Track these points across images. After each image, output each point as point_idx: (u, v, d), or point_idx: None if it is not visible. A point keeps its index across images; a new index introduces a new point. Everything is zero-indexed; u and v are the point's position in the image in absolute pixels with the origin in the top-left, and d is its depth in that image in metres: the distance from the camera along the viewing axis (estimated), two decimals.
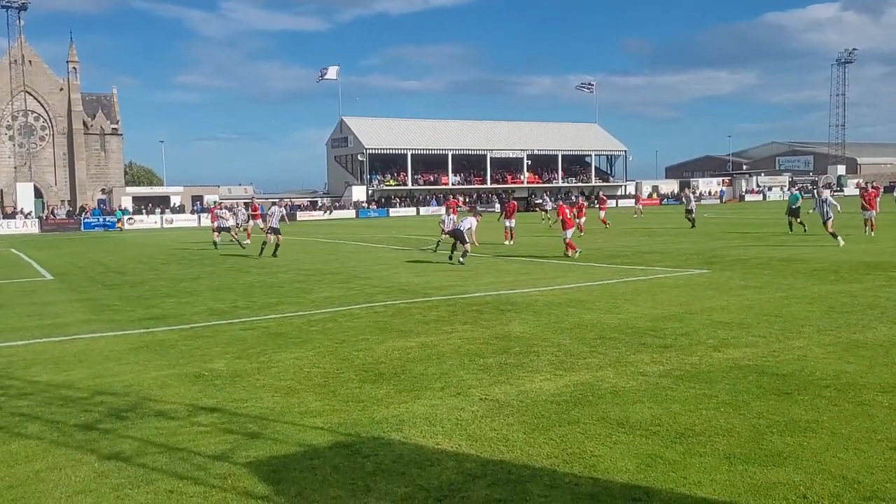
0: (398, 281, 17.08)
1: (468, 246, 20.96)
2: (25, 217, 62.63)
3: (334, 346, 9.81)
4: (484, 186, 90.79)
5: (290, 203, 71.58)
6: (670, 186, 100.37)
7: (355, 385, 7.71)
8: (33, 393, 7.76)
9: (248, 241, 31.51)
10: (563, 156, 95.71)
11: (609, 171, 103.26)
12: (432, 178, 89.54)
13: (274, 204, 30.35)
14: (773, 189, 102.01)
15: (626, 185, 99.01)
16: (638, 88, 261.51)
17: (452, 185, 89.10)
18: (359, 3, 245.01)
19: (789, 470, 5.09)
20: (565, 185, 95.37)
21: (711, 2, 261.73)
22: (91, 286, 18.26)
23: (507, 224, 30.00)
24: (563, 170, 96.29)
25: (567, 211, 23.67)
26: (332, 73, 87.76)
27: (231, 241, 31.46)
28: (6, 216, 63.86)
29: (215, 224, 31.90)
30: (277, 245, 25.54)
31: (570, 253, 21.92)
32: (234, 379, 8.12)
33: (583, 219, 31.43)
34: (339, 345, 9.86)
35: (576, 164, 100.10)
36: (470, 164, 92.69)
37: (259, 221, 34.51)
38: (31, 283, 19.68)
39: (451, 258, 21.19)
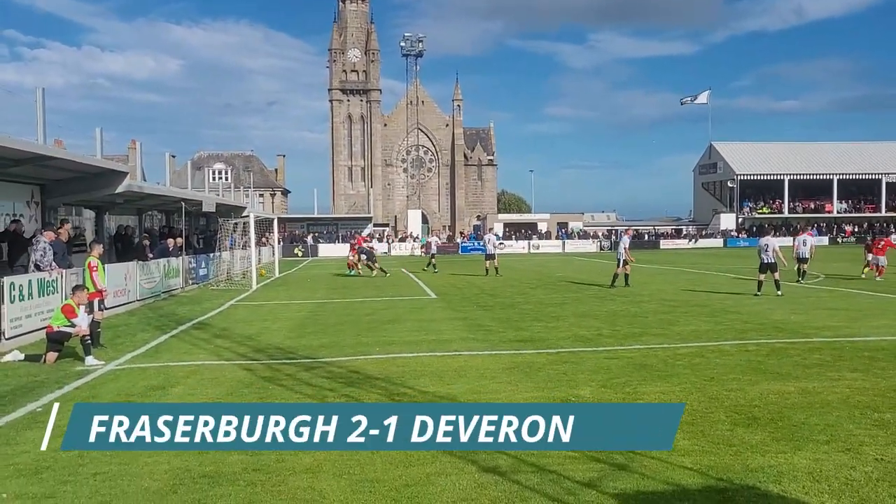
0: (773, 318, 15.95)
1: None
2: (414, 240, 70.14)
3: (702, 382, 9.46)
4: (877, 215, 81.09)
5: (631, 232, 70.81)
6: None
7: (726, 427, 7.35)
8: (422, 402, 8.64)
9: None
10: None
11: None
12: (813, 206, 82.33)
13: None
14: None
15: None
16: None
17: (838, 213, 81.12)
18: (730, 25, 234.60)
19: None
20: None
21: None
22: (468, 306, 19.84)
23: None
24: None
25: None
26: (702, 97, 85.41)
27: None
28: (400, 240, 72.15)
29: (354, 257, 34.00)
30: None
31: None
32: None
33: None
34: (708, 382, 9.48)
35: None
36: (860, 190, 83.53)
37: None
38: (419, 300, 21.96)
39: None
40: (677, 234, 78.43)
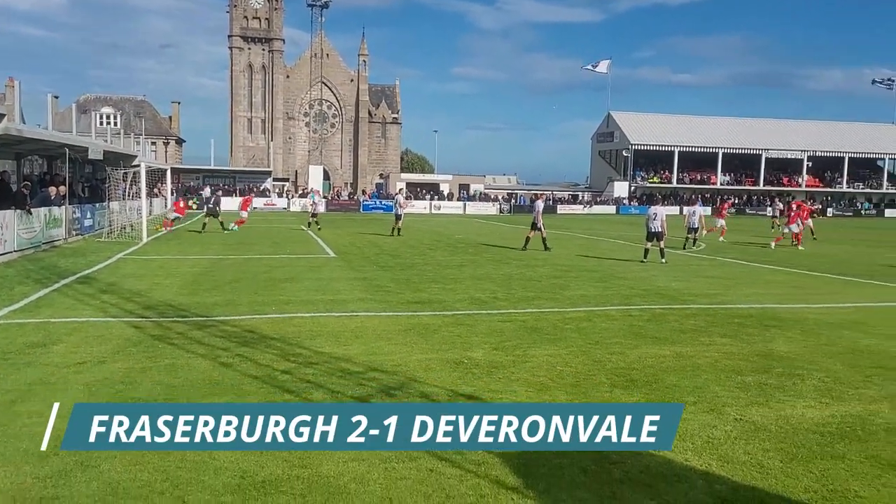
0: (656, 284, 16.79)
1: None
2: (303, 197, 69.10)
3: (587, 346, 9.96)
4: (756, 188, 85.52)
5: (550, 195, 72.36)
6: None
7: (606, 389, 7.82)
8: (318, 363, 8.76)
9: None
10: (850, 158, 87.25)
11: None
12: (699, 177, 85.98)
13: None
14: None
15: None
16: None
17: (721, 184, 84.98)
18: None
19: None
20: (850, 189, 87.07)
21: None
22: (367, 266, 19.95)
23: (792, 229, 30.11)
24: (848, 174, 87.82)
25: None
26: (602, 66, 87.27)
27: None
28: (301, 195, 71.12)
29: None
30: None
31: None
32: (491, 369, 8.57)
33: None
34: (593, 346, 9.99)
35: (865, 167, 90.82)
36: (742, 164, 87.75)
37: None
38: (318, 259, 21.90)
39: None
40: (574, 199, 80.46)
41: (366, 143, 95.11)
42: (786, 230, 31.51)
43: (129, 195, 32.57)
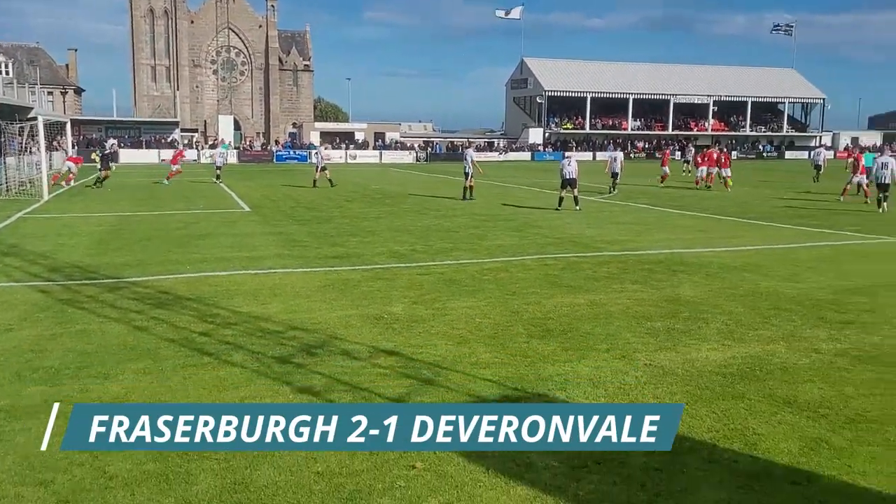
0: (570, 232, 17.19)
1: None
2: (212, 149, 67.10)
3: (505, 297, 10.18)
4: (665, 133, 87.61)
5: (466, 142, 72.42)
6: (872, 139, 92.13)
7: (524, 340, 8.05)
8: (237, 323, 8.71)
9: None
10: (752, 102, 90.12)
11: (804, 121, 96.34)
12: (611, 123, 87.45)
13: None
14: None
15: (821, 136, 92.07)
16: (843, 28, 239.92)
17: (632, 130, 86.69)
18: None
19: None
20: (753, 133, 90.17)
21: None
22: (283, 220, 19.72)
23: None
24: (751, 118, 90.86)
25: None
26: (515, 13, 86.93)
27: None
28: (211, 146, 69.08)
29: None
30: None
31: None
32: (411, 324, 8.70)
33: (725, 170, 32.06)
34: (510, 296, 10.22)
35: (767, 111, 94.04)
36: (651, 109, 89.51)
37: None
38: (232, 214, 21.50)
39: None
40: (489, 146, 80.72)
41: (277, 91, 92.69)
42: (700, 174, 33.23)
43: (26, 150, 31.04)
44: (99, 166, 32.99)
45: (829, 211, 22.50)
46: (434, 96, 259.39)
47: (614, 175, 29.04)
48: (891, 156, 23.51)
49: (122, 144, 63.65)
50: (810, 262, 13.08)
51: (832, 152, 73.00)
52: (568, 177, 22.33)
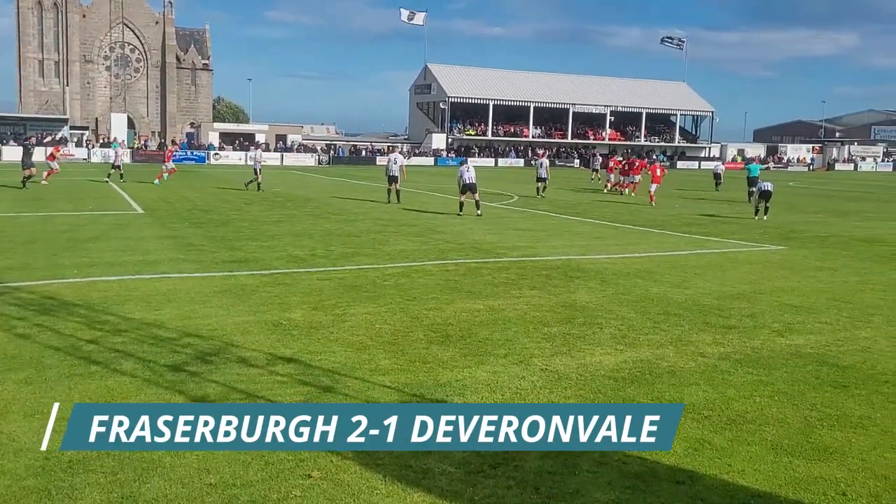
0: (471, 238, 17.39)
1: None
2: (106, 147, 64.48)
3: (405, 303, 10.21)
4: (565, 141, 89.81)
5: (369, 146, 72.11)
6: (757, 150, 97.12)
7: (423, 346, 8.10)
8: (128, 330, 8.41)
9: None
10: (647, 114, 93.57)
11: (694, 132, 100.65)
12: (513, 130, 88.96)
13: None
14: (867, 159, 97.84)
15: (710, 147, 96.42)
16: (731, 45, 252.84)
17: (533, 137, 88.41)
18: None
19: (833, 466, 5.26)
20: (648, 143, 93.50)
21: None
22: (179, 223, 19.16)
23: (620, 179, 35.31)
24: (646, 128, 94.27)
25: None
26: (419, 18, 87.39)
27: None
28: (102, 145, 66.36)
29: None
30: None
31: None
32: (310, 330, 8.62)
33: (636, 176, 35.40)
34: (411, 302, 10.26)
35: (660, 122, 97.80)
36: (552, 118, 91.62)
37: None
38: (124, 216, 20.73)
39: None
40: (393, 151, 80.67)
41: (174, 90, 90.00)
42: (610, 178, 36.68)
43: None
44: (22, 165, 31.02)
45: (716, 220, 23.57)
46: (337, 99, 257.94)
47: (541, 179, 31.49)
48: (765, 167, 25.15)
49: (4, 141, 60.45)
50: (698, 269, 13.67)
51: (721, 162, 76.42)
52: (468, 181, 22.62)
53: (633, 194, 34.19)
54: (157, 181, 34.13)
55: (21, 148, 35.42)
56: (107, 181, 33.63)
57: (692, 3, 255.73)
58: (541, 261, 14.24)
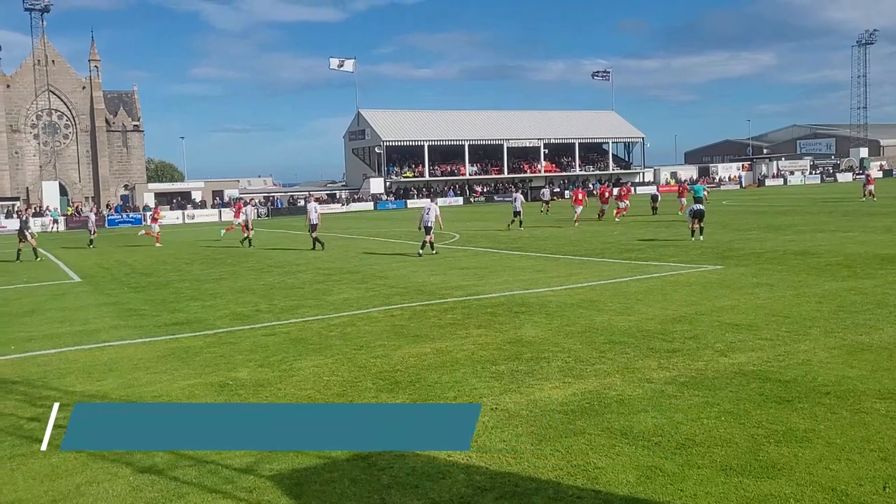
0: (415, 280, 17.42)
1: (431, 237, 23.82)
2: (54, 221, 62.95)
3: (352, 352, 10.16)
4: (502, 176, 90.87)
5: (308, 195, 72.16)
6: (689, 172, 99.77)
7: (372, 395, 8.06)
8: (69, 404, 8.12)
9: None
10: (580, 144, 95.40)
11: (627, 158, 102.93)
12: (450, 169, 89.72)
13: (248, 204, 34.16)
14: (795, 173, 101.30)
15: (643, 173, 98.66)
16: (654, 72, 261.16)
17: (470, 175, 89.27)
18: None
19: (782, 482, 5.37)
20: (583, 172, 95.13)
21: None
22: (118, 289, 18.77)
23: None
24: (580, 158, 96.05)
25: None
26: (348, 65, 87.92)
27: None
28: (35, 214, 64.70)
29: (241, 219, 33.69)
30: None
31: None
32: (257, 388, 8.50)
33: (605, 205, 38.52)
34: (357, 351, 10.21)
35: (593, 151, 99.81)
36: (487, 154, 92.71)
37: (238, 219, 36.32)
38: (60, 286, 20.21)
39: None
40: (331, 198, 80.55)
41: (106, 153, 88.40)
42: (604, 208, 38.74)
43: None
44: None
45: (654, 243, 24.06)
46: (272, 150, 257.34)
47: (517, 213, 33.38)
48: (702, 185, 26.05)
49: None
50: (639, 295, 13.92)
51: (656, 186, 78.33)
52: (427, 223, 23.59)
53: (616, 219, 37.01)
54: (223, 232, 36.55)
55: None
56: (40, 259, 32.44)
57: (610, 34, 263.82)
58: (485, 298, 14.32)
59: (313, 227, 27.87)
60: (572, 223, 34.87)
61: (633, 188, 41.89)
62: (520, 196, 35.42)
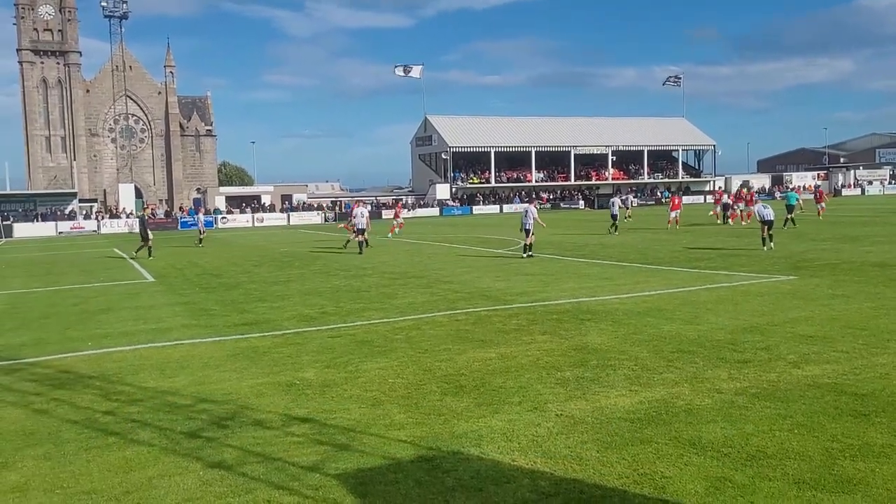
0: (480, 286, 17.41)
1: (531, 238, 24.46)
2: (128, 217, 65.41)
3: (417, 355, 10.21)
4: (568, 183, 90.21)
5: (374, 200, 72.96)
6: (762, 181, 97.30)
7: (437, 398, 8.09)
8: (143, 399, 8.43)
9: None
10: (648, 151, 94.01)
11: (697, 166, 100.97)
12: (516, 176, 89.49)
13: (360, 203, 33.08)
14: (874, 183, 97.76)
15: (714, 181, 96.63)
16: (727, 78, 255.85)
17: (536, 182, 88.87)
18: (440, 1, 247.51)
19: (857, 497, 5.19)
20: (651, 180, 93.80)
21: None
22: (189, 289, 19.27)
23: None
24: (648, 165, 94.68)
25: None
26: (416, 72, 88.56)
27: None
28: (112, 216, 67.11)
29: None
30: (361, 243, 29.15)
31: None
32: (323, 389, 8.62)
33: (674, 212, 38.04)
34: (422, 354, 10.26)
35: (662, 159, 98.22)
36: (553, 161, 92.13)
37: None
38: (135, 285, 20.86)
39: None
40: (358, 205, 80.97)
41: (179, 157, 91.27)
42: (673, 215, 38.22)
43: None
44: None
45: (724, 252, 23.53)
46: (340, 155, 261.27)
47: (614, 217, 35.51)
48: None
49: (14, 217, 61.22)
50: (709, 304, 13.63)
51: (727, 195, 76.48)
52: (526, 226, 24.42)
53: (744, 222, 38.32)
54: (390, 235, 38.32)
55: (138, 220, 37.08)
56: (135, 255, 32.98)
57: (683, 40, 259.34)
58: (550, 305, 14.23)
59: (360, 231, 28.94)
60: (666, 226, 36.94)
61: (755, 194, 42.34)
62: (618, 200, 36.53)
